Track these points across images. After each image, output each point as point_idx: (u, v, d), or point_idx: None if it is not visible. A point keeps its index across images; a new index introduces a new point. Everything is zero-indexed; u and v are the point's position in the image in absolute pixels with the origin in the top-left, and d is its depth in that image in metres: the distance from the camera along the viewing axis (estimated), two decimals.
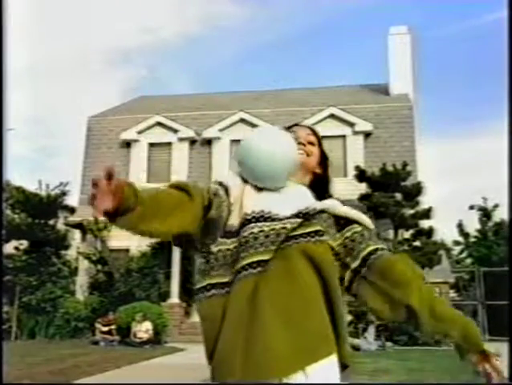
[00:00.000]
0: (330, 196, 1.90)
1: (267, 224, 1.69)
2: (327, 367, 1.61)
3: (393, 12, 59.26)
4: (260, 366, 1.53)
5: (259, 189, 1.80)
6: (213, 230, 1.70)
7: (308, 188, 1.87)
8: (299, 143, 1.86)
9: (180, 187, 1.66)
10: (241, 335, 1.57)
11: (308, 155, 1.88)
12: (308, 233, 1.70)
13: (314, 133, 1.96)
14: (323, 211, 1.77)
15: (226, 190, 1.75)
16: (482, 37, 69.50)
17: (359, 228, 1.80)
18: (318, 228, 1.72)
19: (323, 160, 1.95)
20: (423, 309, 1.73)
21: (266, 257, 1.64)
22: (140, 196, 1.50)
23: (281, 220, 1.70)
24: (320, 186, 1.92)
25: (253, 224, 1.68)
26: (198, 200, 1.64)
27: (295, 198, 1.79)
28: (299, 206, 1.75)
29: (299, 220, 1.71)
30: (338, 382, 1.63)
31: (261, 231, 1.67)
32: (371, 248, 1.78)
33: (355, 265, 1.77)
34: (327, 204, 1.80)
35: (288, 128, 1.94)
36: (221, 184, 1.77)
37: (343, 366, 1.69)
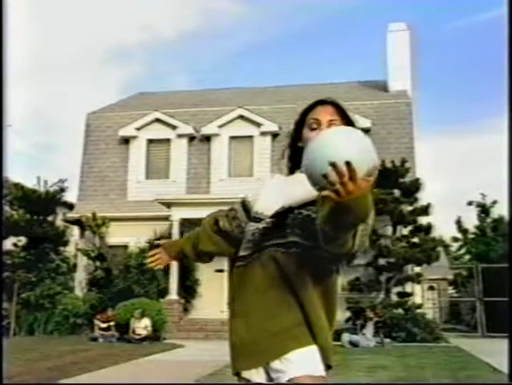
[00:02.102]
0: None
1: (254, 224, 1.90)
2: (292, 362, 1.70)
3: (392, 9, 59.18)
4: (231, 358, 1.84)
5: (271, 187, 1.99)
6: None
7: None
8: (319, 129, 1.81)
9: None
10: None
11: None
12: (277, 245, 1.82)
13: (338, 110, 1.84)
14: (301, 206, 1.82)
15: (245, 206, 2.02)
16: (481, 34, 69.44)
17: None
18: (289, 239, 1.81)
19: None
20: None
21: (246, 253, 1.88)
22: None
23: (262, 220, 1.88)
24: None
25: (251, 224, 1.93)
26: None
27: (289, 190, 1.87)
28: (283, 202, 1.86)
29: (269, 221, 1.86)
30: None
31: (255, 228, 1.89)
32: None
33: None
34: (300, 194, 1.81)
35: (310, 108, 1.89)
36: (243, 202, 2.04)
37: (328, 367, 1.78)
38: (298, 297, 1.75)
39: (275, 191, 1.91)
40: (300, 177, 1.76)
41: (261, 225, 1.86)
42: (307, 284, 1.76)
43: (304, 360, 1.69)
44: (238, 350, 1.80)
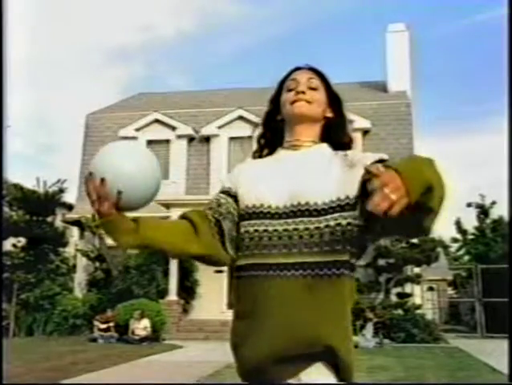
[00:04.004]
0: (348, 144, 1.68)
1: (258, 222, 1.54)
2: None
3: (391, 9, 59.21)
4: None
5: (253, 168, 1.67)
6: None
7: (321, 137, 1.66)
8: (298, 92, 1.63)
9: (186, 217, 1.58)
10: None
11: (309, 102, 1.62)
12: (310, 265, 1.47)
13: (318, 75, 1.70)
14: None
15: (228, 192, 1.63)
16: (481, 34, 69.50)
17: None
18: (336, 257, 1.46)
19: (333, 101, 1.71)
20: None
21: (250, 262, 1.52)
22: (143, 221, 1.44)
23: (273, 215, 1.53)
24: (335, 130, 1.69)
25: (246, 223, 1.56)
26: (204, 230, 1.53)
27: (294, 174, 1.56)
28: (297, 190, 1.52)
29: (296, 220, 1.50)
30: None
31: (255, 231, 1.53)
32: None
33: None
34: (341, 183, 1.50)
35: (289, 73, 1.72)
36: (222, 191, 1.65)
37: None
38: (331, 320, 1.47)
39: (266, 175, 1.60)
40: (288, 156, 1.62)
41: (264, 226, 1.53)
42: (345, 309, 1.50)
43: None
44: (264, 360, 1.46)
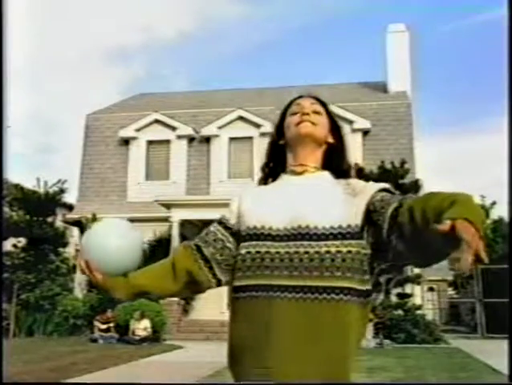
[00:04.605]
0: (347, 172, 1.71)
1: (260, 243, 1.56)
2: None
3: (391, 10, 59.25)
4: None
5: (256, 192, 1.74)
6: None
7: (322, 163, 1.70)
8: (303, 114, 1.68)
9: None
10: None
11: (314, 124, 1.68)
12: (310, 289, 1.47)
13: (320, 102, 1.77)
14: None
15: (220, 221, 1.70)
16: (481, 34, 69.52)
17: (378, 196, 1.56)
18: (334, 283, 1.47)
19: (334, 128, 1.77)
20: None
21: (262, 282, 1.52)
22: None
23: (274, 237, 1.55)
24: (336, 156, 1.73)
25: (247, 244, 1.58)
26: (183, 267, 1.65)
27: (295, 197, 1.60)
28: (297, 213, 1.55)
29: (297, 243, 1.52)
30: None
31: (257, 252, 1.55)
32: (395, 204, 1.49)
33: (385, 227, 1.46)
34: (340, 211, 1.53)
35: (292, 101, 1.81)
36: (219, 221, 1.71)
37: None
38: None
39: (269, 200, 1.64)
40: (292, 181, 1.66)
41: (266, 248, 1.54)
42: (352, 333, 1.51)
43: None
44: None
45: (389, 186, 1.58)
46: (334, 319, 1.47)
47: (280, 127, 1.77)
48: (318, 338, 1.45)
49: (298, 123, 1.67)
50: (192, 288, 1.70)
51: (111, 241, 1.57)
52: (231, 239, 1.64)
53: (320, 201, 1.56)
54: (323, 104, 1.77)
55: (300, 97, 1.78)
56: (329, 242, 1.50)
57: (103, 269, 1.56)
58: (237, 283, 1.58)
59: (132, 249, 1.60)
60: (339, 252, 1.49)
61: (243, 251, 1.57)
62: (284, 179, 1.70)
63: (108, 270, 1.57)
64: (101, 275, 1.58)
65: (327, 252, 1.48)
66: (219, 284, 1.69)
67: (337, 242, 1.49)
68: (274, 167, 1.77)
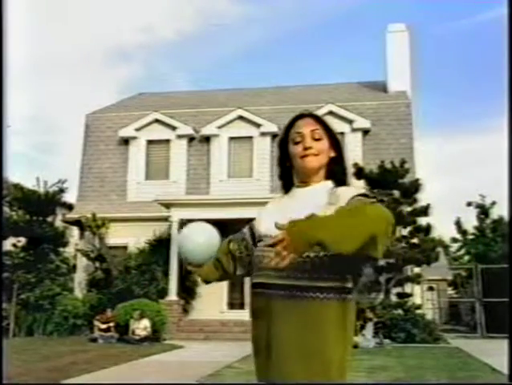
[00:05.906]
0: (346, 180, 1.92)
1: (265, 248, 1.81)
2: None
3: (391, 9, 59.25)
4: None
5: (273, 204, 2.00)
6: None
7: (326, 172, 1.91)
8: (305, 148, 1.85)
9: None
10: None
11: (316, 155, 1.86)
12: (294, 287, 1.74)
13: (319, 122, 1.91)
14: None
15: (251, 229, 2.02)
16: (481, 34, 69.51)
17: (352, 202, 1.76)
18: (304, 282, 1.73)
19: (335, 143, 1.92)
20: None
21: (258, 281, 1.84)
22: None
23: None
24: (337, 168, 1.93)
25: (258, 248, 1.89)
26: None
27: (298, 206, 1.79)
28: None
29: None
30: None
31: (262, 255, 1.84)
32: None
33: None
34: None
35: (292, 122, 1.94)
36: (249, 225, 2.06)
37: None
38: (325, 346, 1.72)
39: (276, 211, 1.90)
40: (297, 193, 1.92)
41: (267, 252, 1.76)
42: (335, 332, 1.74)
43: None
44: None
45: (365, 191, 1.80)
46: (317, 316, 1.70)
47: (283, 144, 1.96)
48: (301, 332, 1.71)
49: (303, 157, 1.86)
50: (225, 277, 2.12)
51: (199, 238, 1.91)
52: (251, 242, 1.98)
53: (308, 211, 1.65)
54: (322, 122, 1.91)
55: (300, 116, 1.94)
56: None
57: (191, 259, 1.94)
58: (251, 280, 1.89)
59: (212, 244, 1.92)
60: (316, 256, 1.70)
61: (255, 253, 1.90)
62: (293, 191, 1.96)
63: (196, 260, 1.94)
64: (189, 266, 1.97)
65: (308, 256, 1.69)
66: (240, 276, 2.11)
67: (316, 248, 1.62)
68: (287, 176, 2.01)
